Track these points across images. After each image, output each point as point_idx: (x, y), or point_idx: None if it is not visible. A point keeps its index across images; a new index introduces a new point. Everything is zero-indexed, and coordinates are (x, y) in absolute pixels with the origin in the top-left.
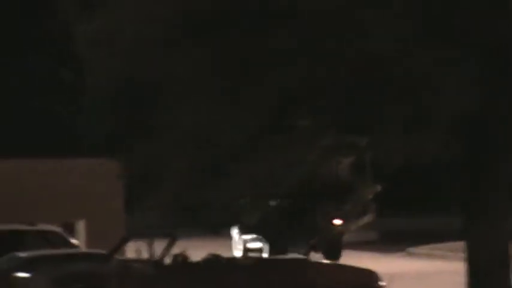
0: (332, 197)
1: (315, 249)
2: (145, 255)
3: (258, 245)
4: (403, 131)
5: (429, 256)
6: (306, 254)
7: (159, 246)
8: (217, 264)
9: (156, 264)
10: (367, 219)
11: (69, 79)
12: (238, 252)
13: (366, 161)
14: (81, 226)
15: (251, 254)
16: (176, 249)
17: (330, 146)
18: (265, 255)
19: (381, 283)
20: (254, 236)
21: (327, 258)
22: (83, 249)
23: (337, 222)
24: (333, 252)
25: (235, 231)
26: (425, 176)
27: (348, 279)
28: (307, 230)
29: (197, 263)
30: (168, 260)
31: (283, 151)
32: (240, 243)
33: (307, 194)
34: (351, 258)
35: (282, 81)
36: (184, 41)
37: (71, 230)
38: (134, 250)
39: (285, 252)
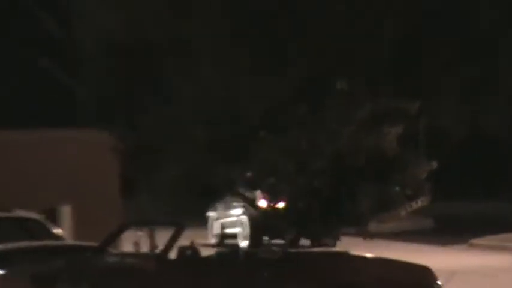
0: (376, 175)
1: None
2: (145, 248)
3: (236, 230)
4: (467, 96)
5: (496, 249)
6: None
7: (162, 238)
8: (234, 258)
9: (158, 259)
10: (420, 203)
11: (58, 34)
12: (213, 239)
13: (419, 131)
14: (66, 212)
15: (228, 241)
16: (183, 241)
17: (373, 113)
18: (243, 242)
19: (438, 282)
20: (233, 219)
21: (317, 245)
22: (69, 240)
23: None
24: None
25: (211, 214)
26: (489, 152)
27: (398, 277)
28: (346, 215)
29: (209, 258)
30: (173, 254)
31: (316, 121)
32: (217, 228)
33: (345, 172)
34: (400, 251)
35: (315, 34)
36: None
37: (54, 217)
38: (132, 242)
39: (317, 242)
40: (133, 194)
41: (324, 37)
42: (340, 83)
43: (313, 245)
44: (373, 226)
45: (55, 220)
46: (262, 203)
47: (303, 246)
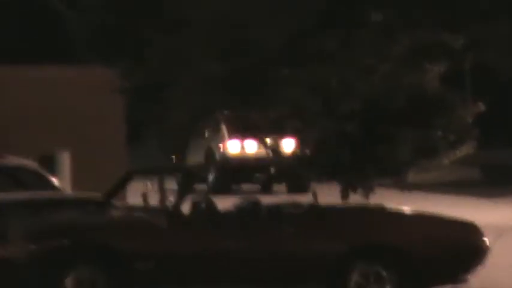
0: (416, 119)
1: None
2: (154, 200)
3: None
4: None
5: None
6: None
7: (173, 189)
8: (256, 213)
9: (170, 213)
10: (465, 150)
11: None
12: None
13: (464, 69)
14: (64, 159)
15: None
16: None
17: (412, 48)
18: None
19: (484, 239)
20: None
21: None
22: (68, 191)
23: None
24: (298, 185)
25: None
26: None
27: (438, 234)
28: (381, 163)
29: (227, 212)
30: (186, 208)
31: (346, 55)
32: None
33: (381, 115)
34: (442, 205)
35: None
36: None
37: (51, 165)
38: (140, 194)
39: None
40: (140, 139)
41: None
42: (375, 13)
43: (344, 194)
44: (412, 176)
45: (52, 168)
46: (233, 146)
47: (276, 192)
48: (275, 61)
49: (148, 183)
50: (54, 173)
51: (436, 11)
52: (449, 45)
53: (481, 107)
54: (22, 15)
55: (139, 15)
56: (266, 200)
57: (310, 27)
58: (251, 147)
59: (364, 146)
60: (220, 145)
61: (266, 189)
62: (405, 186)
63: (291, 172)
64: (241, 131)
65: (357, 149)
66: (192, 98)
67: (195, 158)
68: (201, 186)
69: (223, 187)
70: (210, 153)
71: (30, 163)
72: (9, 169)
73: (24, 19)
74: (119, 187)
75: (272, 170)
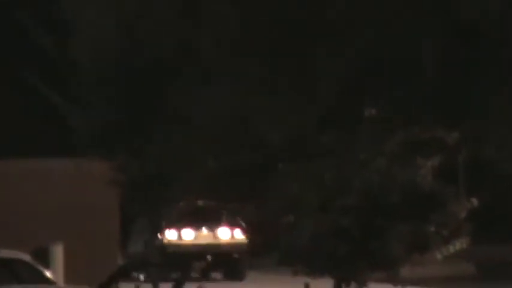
0: (410, 214)
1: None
2: None
3: None
4: None
5: None
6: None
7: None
8: None
9: None
10: (458, 245)
11: (52, 52)
12: None
13: (458, 164)
14: (58, 252)
15: None
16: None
17: (406, 143)
18: None
19: None
20: None
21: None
22: (60, 284)
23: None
24: (235, 273)
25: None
26: None
27: None
28: (375, 258)
29: None
30: None
31: (343, 151)
32: None
33: (376, 209)
34: None
35: (342, 56)
36: (203, 4)
37: (44, 258)
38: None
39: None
40: (135, 231)
41: (353, 57)
42: (370, 110)
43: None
44: (405, 271)
45: (46, 261)
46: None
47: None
48: (274, 157)
49: (141, 276)
50: (47, 265)
51: (430, 106)
52: (444, 140)
53: (475, 202)
54: (22, 107)
55: (140, 111)
56: None
57: (309, 125)
58: (189, 235)
59: (358, 240)
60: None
61: (204, 276)
62: (398, 281)
63: (228, 260)
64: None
65: (351, 243)
66: (188, 194)
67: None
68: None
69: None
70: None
71: (24, 256)
72: (3, 261)
73: (24, 112)
74: (111, 281)
75: (209, 257)
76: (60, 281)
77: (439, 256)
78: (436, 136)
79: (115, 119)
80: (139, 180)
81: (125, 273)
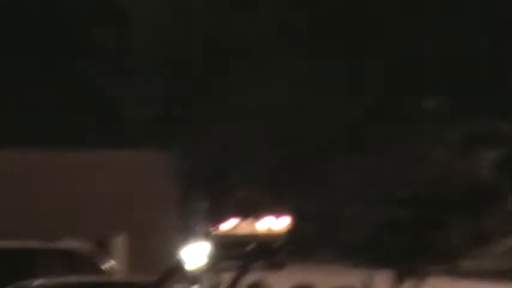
0: (469, 206)
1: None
2: (206, 286)
3: None
4: None
5: None
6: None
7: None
8: None
9: None
10: None
11: (107, 41)
12: None
13: None
14: (119, 243)
15: None
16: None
17: (466, 135)
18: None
19: None
20: None
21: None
22: (121, 275)
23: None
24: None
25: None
26: None
27: None
28: (435, 249)
29: None
30: None
31: (400, 144)
32: None
33: (435, 203)
34: None
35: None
36: None
37: (105, 249)
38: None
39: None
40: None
41: (414, 48)
42: (431, 101)
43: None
44: (465, 264)
45: (106, 252)
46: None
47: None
48: (331, 149)
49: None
50: (109, 256)
51: (491, 97)
52: (505, 133)
53: None
54: (78, 99)
55: (197, 102)
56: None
57: (366, 117)
58: (235, 225)
59: (417, 233)
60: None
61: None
62: (456, 274)
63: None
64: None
65: (409, 235)
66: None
67: None
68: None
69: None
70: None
71: (83, 246)
72: (62, 252)
73: (81, 103)
74: (170, 274)
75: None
76: (122, 271)
77: (498, 249)
78: (497, 129)
79: (172, 110)
80: (197, 171)
81: (182, 267)
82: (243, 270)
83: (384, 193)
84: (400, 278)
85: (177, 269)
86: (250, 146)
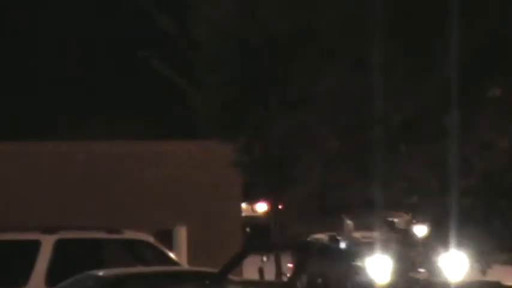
0: None
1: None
2: (270, 275)
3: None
4: None
5: None
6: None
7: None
8: None
9: None
10: None
11: (174, 34)
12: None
13: None
14: (181, 234)
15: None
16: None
17: None
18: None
19: None
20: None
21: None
22: (184, 266)
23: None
24: None
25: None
26: None
27: None
28: (499, 240)
29: None
30: (303, 283)
31: (466, 132)
32: None
33: (499, 190)
34: None
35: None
36: None
37: (168, 240)
38: (256, 268)
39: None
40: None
41: (477, 36)
42: (494, 90)
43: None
44: None
45: (169, 243)
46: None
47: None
48: (395, 137)
49: (264, 257)
50: (171, 247)
51: None
52: None
53: None
54: (144, 90)
55: (261, 92)
56: None
57: (430, 105)
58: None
59: (482, 222)
60: None
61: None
62: None
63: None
64: None
65: (473, 224)
66: (313, 174)
67: None
68: None
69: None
70: None
71: (147, 237)
72: (127, 243)
73: (147, 94)
74: (235, 262)
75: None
76: (184, 262)
77: None
78: None
79: (236, 100)
80: (262, 162)
81: (247, 254)
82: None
83: (449, 182)
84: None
85: (242, 256)
86: (312, 136)
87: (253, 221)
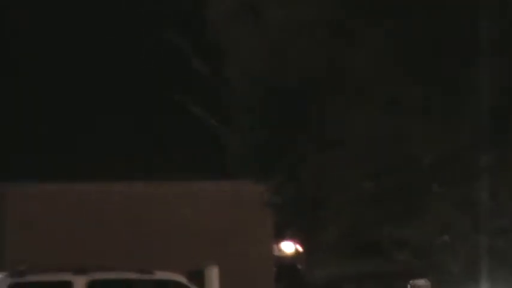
0: None
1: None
2: None
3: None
4: None
5: None
6: None
7: None
8: None
9: None
10: None
11: (205, 72)
12: None
13: None
14: (213, 275)
15: None
16: None
17: None
18: None
19: None
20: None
21: None
22: None
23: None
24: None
25: None
26: None
27: None
28: None
29: None
30: None
31: (498, 171)
32: None
33: None
34: None
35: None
36: (356, 24)
37: (200, 280)
38: None
39: None
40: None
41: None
42: None
43: None
44: None
45: (201, 283)
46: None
47: None
48: (428, 178)
49: None
50: (203, 287)
51: None
52: None
53: None
54: (178, 131)
55: (295, 132)
56: None
57: (463, 145)
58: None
59: None
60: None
61: None
62: None
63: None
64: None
65: (507, 265)
66: (344, 216)
67: None
68: None
69: None
70: None
71: (179, 277)
72: (160, 284)
73: (181, 135)
74: None
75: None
76: None
77: None
78: None
79: (269, 140)
80: (294, 203)
81: None
82: None
83: (480, 222)
84: None
85: None
86: (345, 177)
87: (280, 260)
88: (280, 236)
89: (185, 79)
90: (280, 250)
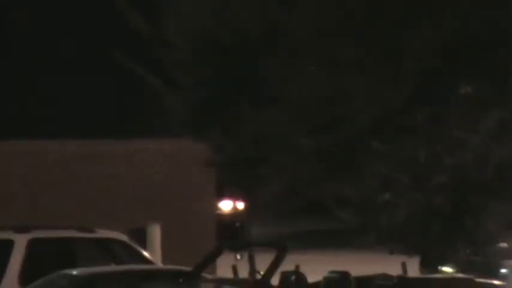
0: (505, 192)
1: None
2: (244, 273)
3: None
4: None
5: None
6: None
7: (263, 261)
8: (346, 285)
9: (259, 285)
10: None
11: (145, 33)
12: None
13: None
14: (155, 232)
15: None
16: (286, 265)
17: (503, 121)
18: None
19: None
20: None
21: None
22: (158, 264)
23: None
24: None
25: None
26: None
27: None
28: (469, 237)
29: (317, 285)
30: (275, 280)
31: (436, 129)
32: None
33: (470, 188)
34: None
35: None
36: None
37: (142, 238)
38: (229, 266)
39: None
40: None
41: (447, 29)
42: (465, 87)
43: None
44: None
45: (142, 241)
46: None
47: None
48: (365, 136)
49: (237, 255)
50: (145, 245)
51: None
52: None
53: None
54: (117, 89)
55: (233, 91)
56: (354, 271)
57: (401, 102)
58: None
59: (452, 219)
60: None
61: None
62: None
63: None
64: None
65: (444, 221)
66: (284, 175)
67: None
68: None
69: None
70: None
71: (120, 235)
72: (100, 242)
73: (119, 93)
74: (209, 260)
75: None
76: (158, 261)
77: None
78: None
79: (210, 99)
80: (234, 161)
81: (221, 253)
82: (276, 263)
83: (419, 179)
84: (434, 262)
85: (215, 254)
86: (286, 135)
87: (219, 218)
88: (220, 195)
89: (125, 38)
90: (219, 208)
